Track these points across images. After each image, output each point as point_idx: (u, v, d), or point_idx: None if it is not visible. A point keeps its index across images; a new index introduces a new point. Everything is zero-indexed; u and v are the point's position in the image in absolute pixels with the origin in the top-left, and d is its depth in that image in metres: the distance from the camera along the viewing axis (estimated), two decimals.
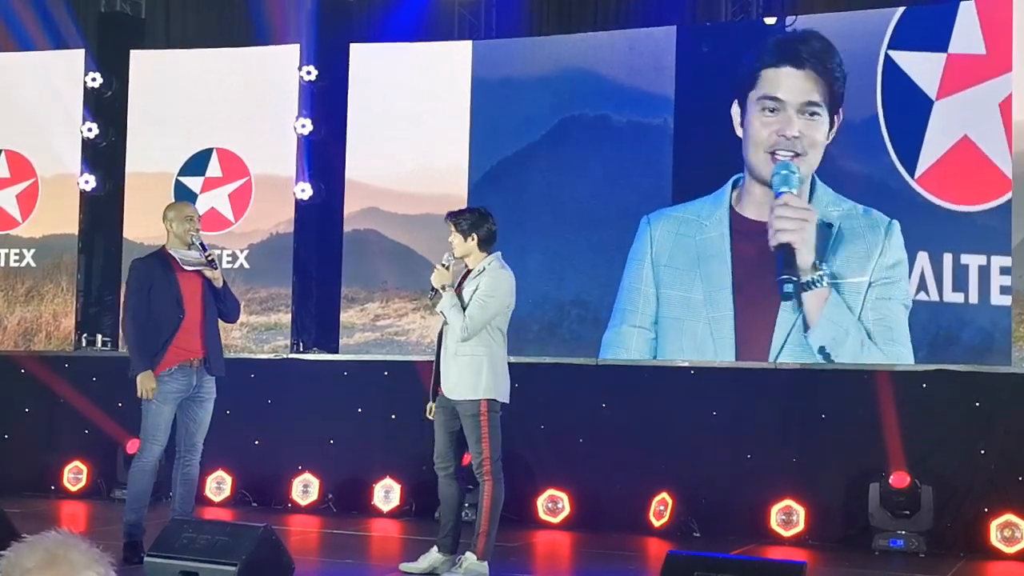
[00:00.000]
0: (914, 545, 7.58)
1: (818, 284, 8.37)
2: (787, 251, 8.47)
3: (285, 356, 9.68)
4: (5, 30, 10.49)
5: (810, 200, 8.55)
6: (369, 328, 9.63)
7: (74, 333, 10.20)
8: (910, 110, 8.37)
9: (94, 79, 10.29)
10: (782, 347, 8.46)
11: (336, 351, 9.70)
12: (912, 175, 8.32)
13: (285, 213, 9.89)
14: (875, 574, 7.27)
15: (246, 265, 9.85)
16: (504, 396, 6.35)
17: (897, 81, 8.41)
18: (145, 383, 6.43)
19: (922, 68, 8.37)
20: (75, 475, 9.69)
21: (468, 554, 6.27)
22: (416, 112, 9.70)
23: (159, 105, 10.15)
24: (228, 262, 9.74)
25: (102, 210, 10.35)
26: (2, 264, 10.35)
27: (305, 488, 9.16)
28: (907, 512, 7.64)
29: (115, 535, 6.53)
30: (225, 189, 9.97)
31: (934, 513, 7.63)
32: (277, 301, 9.84)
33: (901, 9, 8.48)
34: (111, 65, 10.38)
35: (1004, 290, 8.04)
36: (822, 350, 8.36)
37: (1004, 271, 8.04)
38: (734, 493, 8.20)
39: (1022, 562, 7.40)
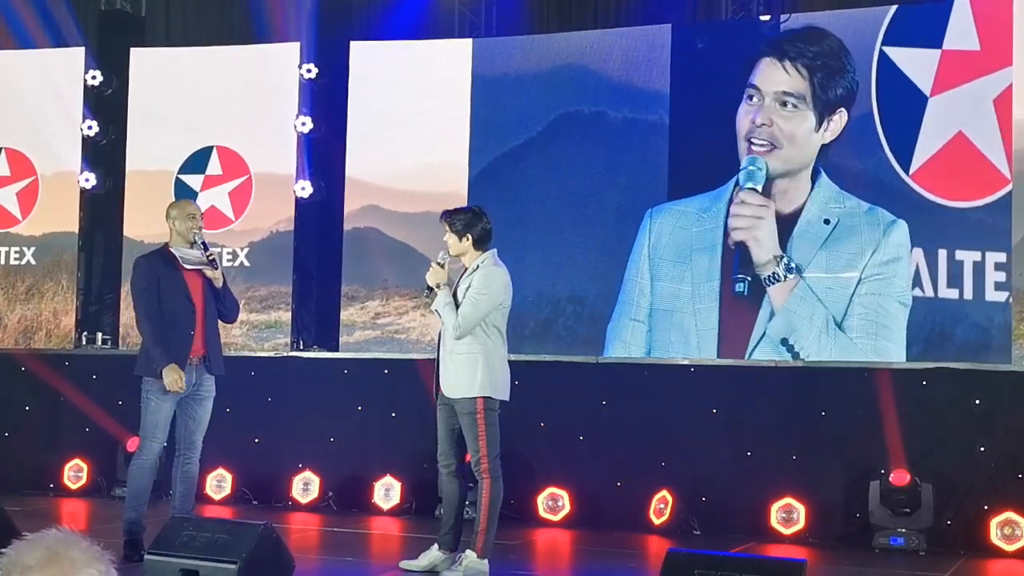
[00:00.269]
0: (914, 543, 7.58)
1: (780, 277, 8.40)
2: (742, 249, 8.53)
3: (285, 354, 9.68)
4: (5, 28, 10.49)
5: (809, 195, 8.55)
6: (369, 326, 9.63)
7: (74, 331, 10.20)
8: (905, 106, 8.38)
9: (94, 77, 10.29)
10: (759, 341, 8.49)
11: (336, 349, 9.70)
12: (907, 171, 8.32)
13: (285, 211, 9.89)
14: (875, 572, 7.27)
15: (246, 263, 9.85)
16: (501, 394, 6.35)
17: (892, 77, 8.41)
18: (171, 375, 6.41)
19: (917, 64, 8.37)
20: (75, 473, 9.69)
21: (468, 552, 6.28)
22: (416, 110, 9.70)
23: (159, 103, 10.15)
24: (228, 260, 9.74)
25: (102, 208, 10.36)
26: (2, 262, 10.35)
27: (305, 486, 9.17)
28: (907, 510, 7.64)
29: (115, 533, 6.53)
30: (225, 187, 9.97)
31: (934, 511, 7.63)
32: (277, 299, 9.84)
33: (895, 5, 8.48)
34: (111, 63, 10.38)
35: (999, 286, 8.05)
36: (784, 342, 8.40)
37: (999, 267, 8.05)
38: (734, 491, 8.21)
39: (1022, 560, 7.40)
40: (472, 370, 6.26)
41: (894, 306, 8.24)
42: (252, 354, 9.66)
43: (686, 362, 8.67)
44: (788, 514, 7.95)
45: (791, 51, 8.66)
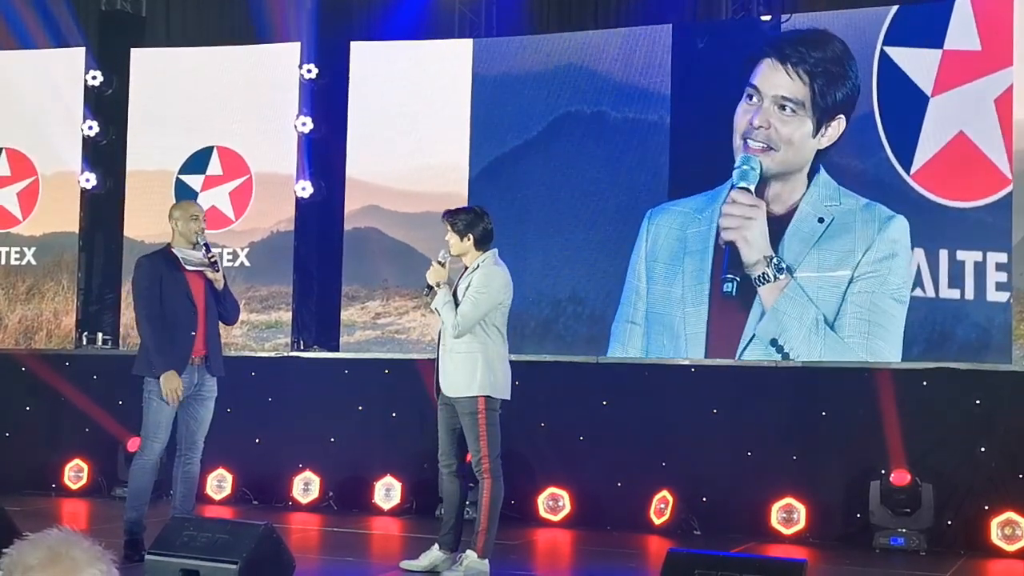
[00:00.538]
0: (915, 543, 7.58)
1: (769, 277, 8.39)
2: (732, 249, 8.54)
3: (286, 354, 9.69)
4: (6, 28, 10.49)
5: (803, 195, 8.55)
6: (370, 326, 9.63)
7: (75, 331, 10.20)
8: (906, 106, 8.37)
9: (95, 77, 10.30)
10: (748, 343, 8.48)
11: (336, 349, 9.71)
12: (908, 171, 8.32)
13: (286, 211, 9.89)
14: (876, 572, 7.27)
15: (246, 263, 9.85)
16: (501, 393, 6.35)
17: (893, 77, 8.41)
18: (169, 383, 6.41)
19: (918, 64, 8.37)
20: (76, 473, 9.69)
21: (469, 552, 6.28)
22: (417, 110, 9.70)
23: (159, 103, 10.16)
24: (229, 260, 9.74)
25: (103, 208, 10.36)
26: (3, 262, 10.35)
27: (306, 486, 9.17)
28: (908, 510, 7.64)
29: (116, 533, 6.52)
30: (226, 187, 9.97)
31: (934, 511, 7.63)
32: (278, 299, 9.84)
33: (896, 5, 8.48)
34: (112, 63, 10.39)
35: (1000, 286, 8.04)
36: (774, 342, 8.41)
37: (1000, 267, 8.04)
38: (735, 491, 8.21)
39: (1022, 560, 7.40)
40: (471, 369, 6.26)
41: (889, 303, 8.23)
42: (252, 354, 9.66)
43: (687, 362, 8.67)
44: (788, 514, 7.95)
45: (793, 55, 8.66)
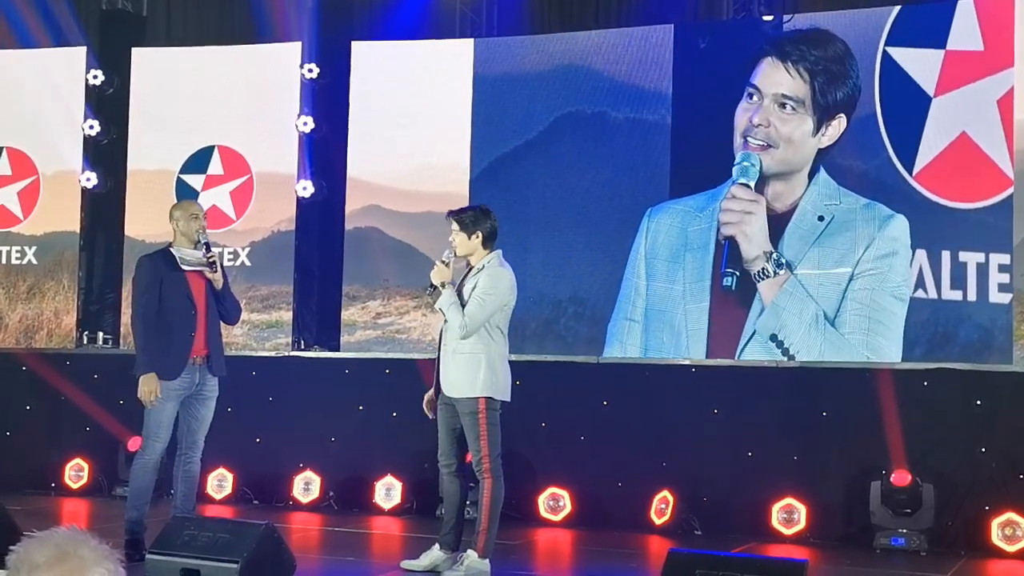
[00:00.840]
0: (915, 543, 7.58)
1: (769, 273, 8.39)
2: (731, 244, 8.53)
3: (286, 354, 9.68)
4: (7, 27, 10.49)
5: (803, 194, 8.55)
6: (370, 326, 9.63)
7: (75, 331, 10.20)
8: (908, 107, 8.36)
9: (96, 76, 10.29)
10: (748, 340, 8.48)
11: (337, 349, 9.70)
12: (910, 172, 8.31)
13: (286, 211, 9.89)
14: (876, 572, 7.27)
15: (247, 263, 9.85)
16: (503, 394, 6.35)
17: (895, 78, 8.40)
18: (147, 384, 6.41)
19: (920, 65, 8.36)
20: (76, 472, 9.69)
21: (469, 552, 6.28)
22: (418, 110, 9.70)
23: (160, 103, 10.15)
24: (229, 260, 9.74)
25: (103, 207, 10.35)
26: (3, 261, 10.35)
27: (306, 486, 9.17)
28: (908, 510, 7.64)
29: (116, 532, 6.52)
30: (226, 187, 9.97)
31: (935, 511, 7.64)
32: (278, 299, 9.84)
33: (899, 5, 8.47)
34: (113, 62, 10.38)
35: (1003, 288, 8.03)
36: (773, 337, 8.40)
37: (1003, 268, 8.03)
38: (735, 491, 8.21)
39: (1023, 561, 7.40)
40: (475, 370, 6.26)
41: (889, 301, 8.23)
42: (253, 354, 9.66)
43: (687, 362, 8.67)
44: (789, 514, 7.95)
45: (794, 53, 8.65)
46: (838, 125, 8.53)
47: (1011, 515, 7.50)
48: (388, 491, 8.93)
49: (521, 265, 6.61)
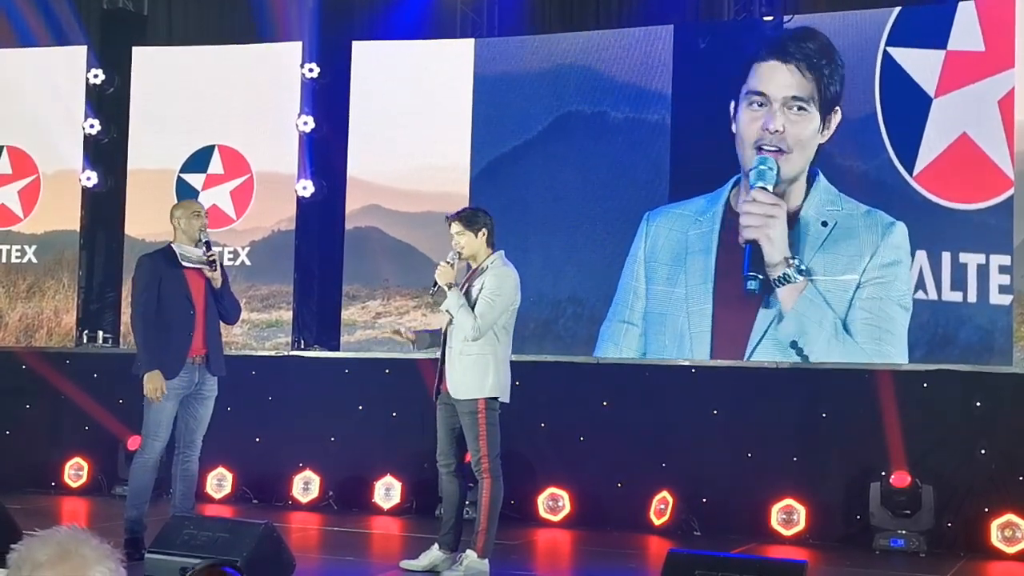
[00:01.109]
0: (915, 545, 7.58)
1: (790, 279, 8.35)
2: (754, 247, 8.49)
3: (286, 353, 9.68)
4: (7, 26, 10.49)
5: (805, 197, 8.54)
6: (370, 326, 9.63)
7: (75, 329, 10.20)
8: (909, 107, 8.35)
9: (96, 75, 10.29)
10: (758, 342, 8.46)
11: (337, 348, 9.70)
12: (910, 173, 8.30)
13: (287, 210, 9.89)
14: (876, 573, 7.27)
15: (247, 262, 9.85)
16: (505, 395, 6.37)
17: (896, 78, 8.39)
18: (152, 382, 6.41)
19: (921, 65, 8.35)
20: (76, 471, 9.69)
21: (469, 552, 6.28)
22: (418, 110, 9.69)
23: (161, 102, 10.15)
24: (230, 259, 9.73)
25: (104, 206, 10.35)
26: (4, 260, 10.35)
27: (306, 485, 9.17)
28: (908, 512, 7.64)
29: (116, 531, 6.52)
30: (227, 186, 9.97)
31: (935, 513, 7.63)
32: (278, 298, 9.83)
33: (899, 6, 8.47)
34: (113, 62, 10.38)
35: (1003, 289, 8.02)
36: (793, 344, 8.37)
37: (1003, 270, 8.02)
38: (735, 492, 8.21)
39: (1022, 562, 7.40)
40: (483, 372, 6.25)
41: (895, 310, 8.22)
42: (253, 353, 9.66)
43: (687, 363, 8.67)
44: (788, 515, 7.95)
45: (797, 53, 8.64)
46: (835, 118, 8.53)
47: (1011, 516, 7.50)
48: (387, 491, 8.93)
49: (520, 265, 6.60)
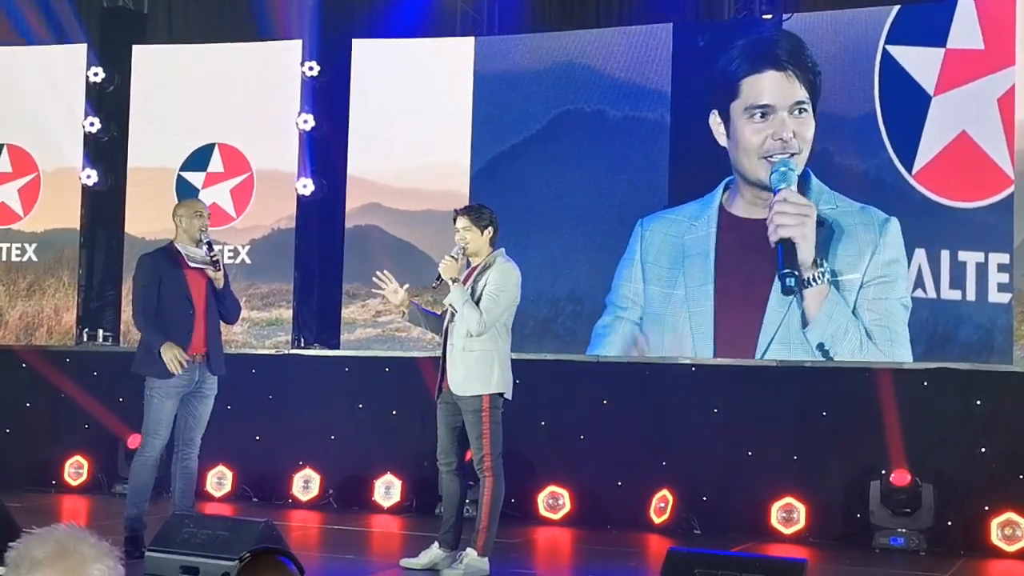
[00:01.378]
0: (914, 543, 7.59)
1: (818, 281, 8.33)
2: (787, 246, 8.43)
3: (286, 352, 9.68)
4: (7, 24, 10.48)
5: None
6: (370, 324, 9.63)
7: (75, 328, 10.20)
8: (908, 106, 8.34)
9: (96, 74, 10.28)
10: (769, 343, 8.44)
11: (337, 347, 9.70)
12: (910, 171, 8.29)
13: (287, 209, 9.89)
14: (875, 572, 7.27)
15: (247, 260, 9.85)
16: (509, 391, 6.37)
17: (895, 76, 8.38)
18: (169, 351, 6.41)
19: (920, 63, 8.34)
20: (76, 470, 9.69)
21: (469, 550, 6.29)
22: (418, 108, 9.69)
23: (161, 100, 10.15)
24: (230, 257, 9.73)
25: (104, 205, 10.35)
26: (4, 259, 10.34)
27: (306, 484, 9.17)
28: (908, 510, 7.65)
29: (116, 530, 6.53)
30: (227, 184, 9.97)
31: (935, 511, 7.64)
32: (278, 297, 9.83)
33: (899, 4, 8.45)
34: (113, 60, 10.38)
35: (1002, 287, 8.01)
36: (820, 347, 8.33)
37: (1002, 268, 8.01)
38: (735, 490, 8.21)
39: (1022, 560, 7.40)
40: (488, 368, 6.26)
41: (899, 309, 8.21)
42: (253, 351, 9.66)
43: (687, 361, 8.66)
44: (788, 514, 7.95)
45: (787, 59, 8.64)
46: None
47: (1011, 515, 7.51)
48: (387, 489, 8.94)
49: (520, 263, 6.60)
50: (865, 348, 8.22)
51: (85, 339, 10.20)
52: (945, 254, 8.16)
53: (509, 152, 9.41)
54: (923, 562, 7.37)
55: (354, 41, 9.90)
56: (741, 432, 8.27)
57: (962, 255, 8.11)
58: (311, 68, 9.89)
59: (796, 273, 8.36)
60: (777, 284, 8.44)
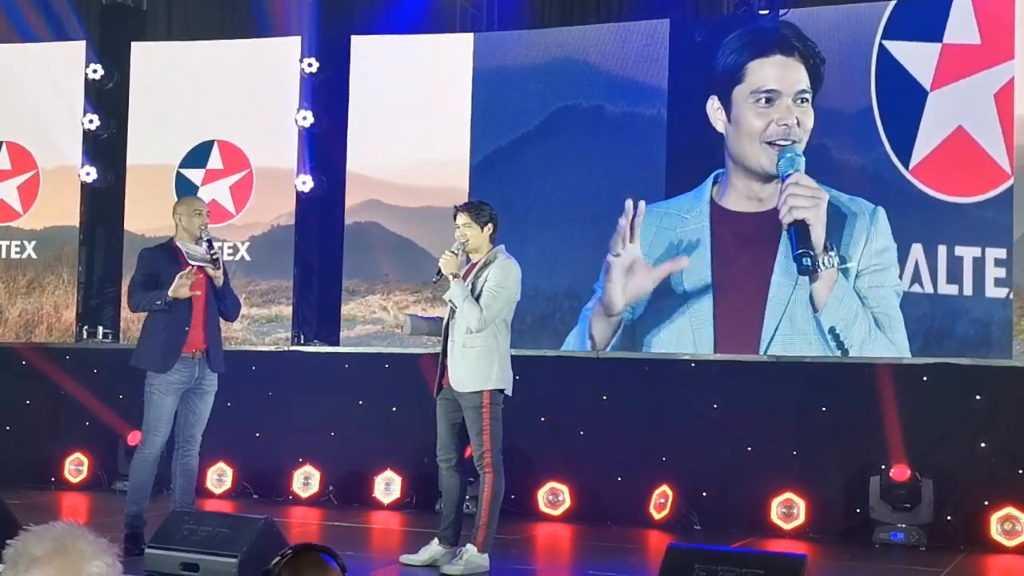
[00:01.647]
0: (914, 538, 7.59)
1: (828, 265, 8.33)
2: (801, 227, 8.42)
3: (286, 348, 9.68)
4: (6, 21, 10.47)
5: None
6: (370, 320, 9.63)
7: (75, 325, 10.20)
8: (904, 101, 8.33)
9: (95, 71, 10.28)
10: (773, 335, 8.42)
11: (337, 343, 9.70)
12: (906, 166, 8.29)
13: (286, 205, 9.88)
14: (875, 567, 7.27)
15: (247, 257, 9.85)
16: (509, 387, 6.38)
17: (891, 71, 8.37)
18: (180, 283, 6.38)
19: (917, 58, 8.34)
20: (76, 467, 9.70)
21: (469, 546, 6.29)
22: (417, 105, 9.68)
23: (160, 97, 10.14)
24: (229, 254, 9.73)
25: (103, 202, 10.34)
26: (3, 256, 10.34)
27: (306, 480, 9.18)
28: (907, 505, 7.65)
29: (116, 527, 6.53)
30: (226, 181, 9.97)
31: (934, 506, 7.64)
32: (278, 293, 9.83)
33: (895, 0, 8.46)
34: (112, 57, 10.37)
35: (999, 282, 8.01)
36: (832, 331, 8.32)
37: (999, 263, 8.00)
38: (735, 486, 8.22)
39: (1022, 555, 7.40)
40: (488, 364, 6.27)
41: (893, 297, 8.22)
42: (253, 348, 9.66)
43: (687, 357, 8.66)
44: (788, 509, 7.96)
45: (797, 45, 8.63)
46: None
47: (1010, 510, 7.51)
48: (387, 486, 8.94)
49: (518, 259, 6.61)
50: (874, 335, 8.21)
51: (85, 336, 10.20)
52: (942, 249, 8.15)
53: (507, 148, 9.40)
54: (923, 557, 7.38)
55: (353, 37, 9.89)
56: (741, 428, 8.27)
57: (959, 250, 8.11)
58: (310, 64, 9.88)
59: (812, 252, 8.35)
60: (776, 278, 8.43)
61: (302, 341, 9.80)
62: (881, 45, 8.41)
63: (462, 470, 6.54)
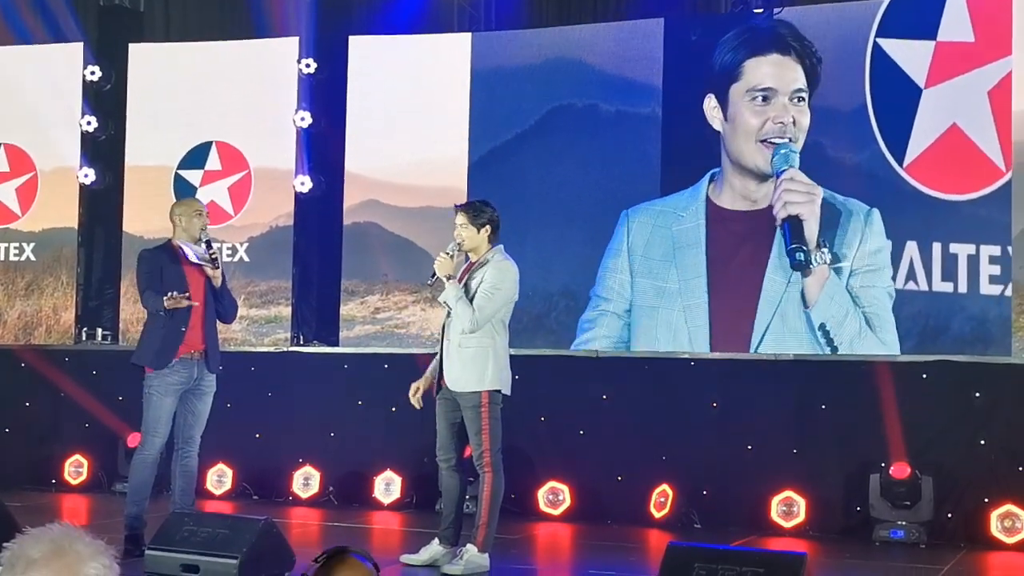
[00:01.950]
0: (914, 536, 7.59)
1: (820, 261, 8.34)
2: (795, 223, 8.42)
3: (285, 349, 9.68)
4: (4, 23, 10.47)
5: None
6: (369, 321, 9.63)
7: (74, 327, 10.20)
8: (899, 98, 8.33)
9: (93, 72, 10.28)
10: (764, 333, 8.43)
11: (336, 344, 9.70)
12: (901, 164, 8.29)
13: (285, 206, 9.88)
14: (876, 565, 7.27)
15: (246, 258, 9.85)
16: (506, 388, 6.38)
17: (886, 69, 8.37)
18: (172, 303, 6.40)
19: (911, 56, 8.33)
20: (76, 468, 9.70)
21: (469, 546, 6.29)
22: (416, 104, 9.68)
23: (158, 98, 10.14)
24: (228, 255, 9.73)
25: (101, 203, 10.34)
26: (2, 258, 10.34)
27: (306, 481, 9.17)
28: (907, 503, 7.65)
29: (116, 528, 6.53)
30: (224, 182, 9.97)
31: (934, 504, 7.64)
32: (277, 294, 9.83)
33: None
34: (110, 58, 10.37)
35: (994, 279, 8.01)
36: (822, 327, 8.33)
37: (993, 260, 8.00)
38: (735, 484, 8.21)
39: (1022, 552, 7.40)
40: (483, 364, 6.27)
41: (885, 298, 8.22)
42: (252, 349, 9.67)
43: (686, 356, 8.66)
44: (788, 507, 7.96)
45: (794, 44, 8.63)
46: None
47: (1010, 507, 7.51)
48: (387, 486, 8.94)
49: (514, 258, 6.61)
50: (864, 334, 8.22)
51: (84, 338, 10.20)
52: (936, 246, 8.15)
53: (503, 148, 9.40)
54: (923, 555, 7.38)
55: (351, 38, 9.89)
56: (740, 426, 8.27)
57: (953, 247, 8.11)
58: (308, 65, 9.88)
59: (805, 248, 8.36)
60: (769, 276, 8.43)
61: (301, 342, 9.80)
62: (875, 43, 8.41)
63: (462, 470, 6.54)
